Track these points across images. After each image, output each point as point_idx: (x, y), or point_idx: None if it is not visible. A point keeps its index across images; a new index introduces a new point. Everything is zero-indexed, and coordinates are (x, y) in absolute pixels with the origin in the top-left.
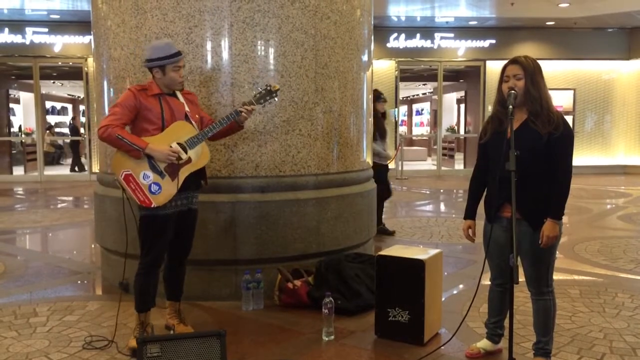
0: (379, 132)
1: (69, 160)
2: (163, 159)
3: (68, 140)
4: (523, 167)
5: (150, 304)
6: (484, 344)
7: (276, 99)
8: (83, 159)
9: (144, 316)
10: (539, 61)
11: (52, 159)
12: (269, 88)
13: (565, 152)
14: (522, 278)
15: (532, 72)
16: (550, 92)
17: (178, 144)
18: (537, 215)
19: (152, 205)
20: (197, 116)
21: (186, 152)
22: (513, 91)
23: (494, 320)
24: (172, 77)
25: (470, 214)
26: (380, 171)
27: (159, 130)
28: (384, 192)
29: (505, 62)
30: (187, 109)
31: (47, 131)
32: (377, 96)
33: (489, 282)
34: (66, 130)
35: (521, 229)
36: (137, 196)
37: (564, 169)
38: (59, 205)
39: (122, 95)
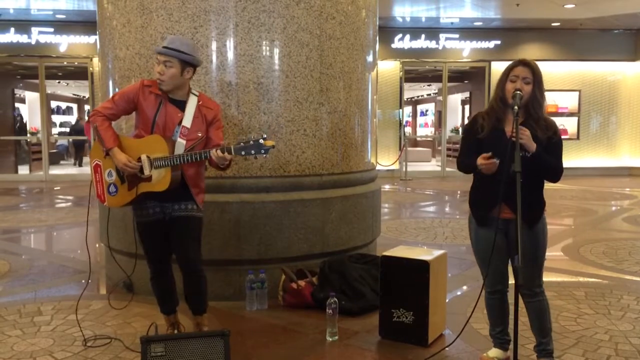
0: None
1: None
2: (119, 167)
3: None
4: (524, 170)
5: (169, 306)
6: (495, 353)
7: (265, 155)
8: (87, 158)
9: (173, 317)
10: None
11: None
12: (259, 141)
13: (560, 155)
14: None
15: (539, 79)
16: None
17: (147, 157)
18: (532, 214)
19: (105, 204)
20: (198, 134)
21: (150, 170)
22: (519, 92)
23: (499, 329)
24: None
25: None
26: None
27: (146, 134)
28: None
29: (511, 61)
30: (186, 123)
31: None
32: None
33: (484, 291)
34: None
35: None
36: (97, 188)
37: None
38: (64, 205)
39: (130, 85)
